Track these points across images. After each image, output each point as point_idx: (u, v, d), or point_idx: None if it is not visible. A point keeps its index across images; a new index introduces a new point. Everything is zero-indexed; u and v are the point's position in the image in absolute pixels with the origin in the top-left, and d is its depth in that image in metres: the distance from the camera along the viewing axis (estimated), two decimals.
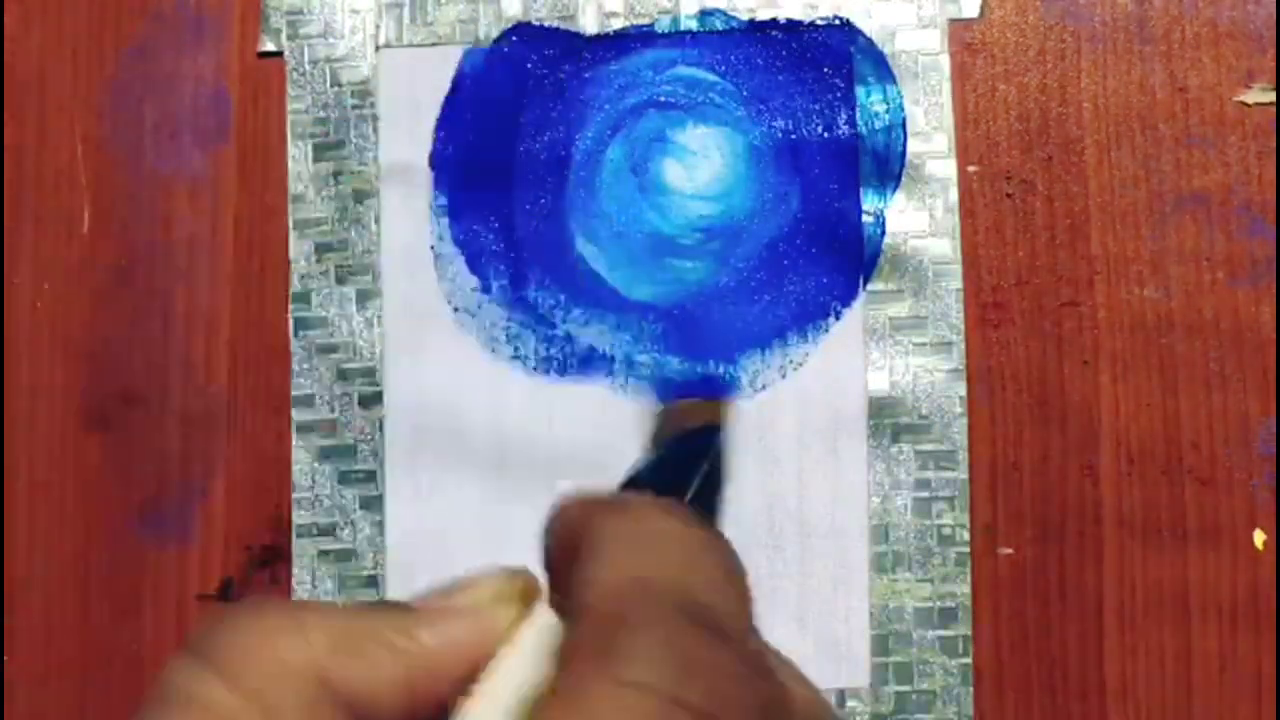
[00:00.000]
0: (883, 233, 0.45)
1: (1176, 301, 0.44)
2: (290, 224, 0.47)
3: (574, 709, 0.16)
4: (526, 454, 0.45)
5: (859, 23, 0.45)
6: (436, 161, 0.47)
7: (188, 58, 0.48)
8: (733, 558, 0.19)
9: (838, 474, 0.44)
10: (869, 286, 0.45)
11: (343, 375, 0.46)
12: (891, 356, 0.44)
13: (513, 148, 0.47)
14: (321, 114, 0.47)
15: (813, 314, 0.45)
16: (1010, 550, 0.44)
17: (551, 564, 0.20)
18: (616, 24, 0.46)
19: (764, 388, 0.45)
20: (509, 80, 0.47)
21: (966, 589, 0.44)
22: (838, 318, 0.45)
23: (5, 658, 0.47)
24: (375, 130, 0.47)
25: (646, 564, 0.18)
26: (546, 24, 0.47)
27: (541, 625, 0.19)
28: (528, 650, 0.19)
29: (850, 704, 0.44)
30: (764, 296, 0.45)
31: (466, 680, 0.18)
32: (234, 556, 0.46)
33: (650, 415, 0.24)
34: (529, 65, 0.47)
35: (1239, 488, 0.43)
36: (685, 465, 0.23)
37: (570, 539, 0.19)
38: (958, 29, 0.45)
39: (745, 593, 0.18)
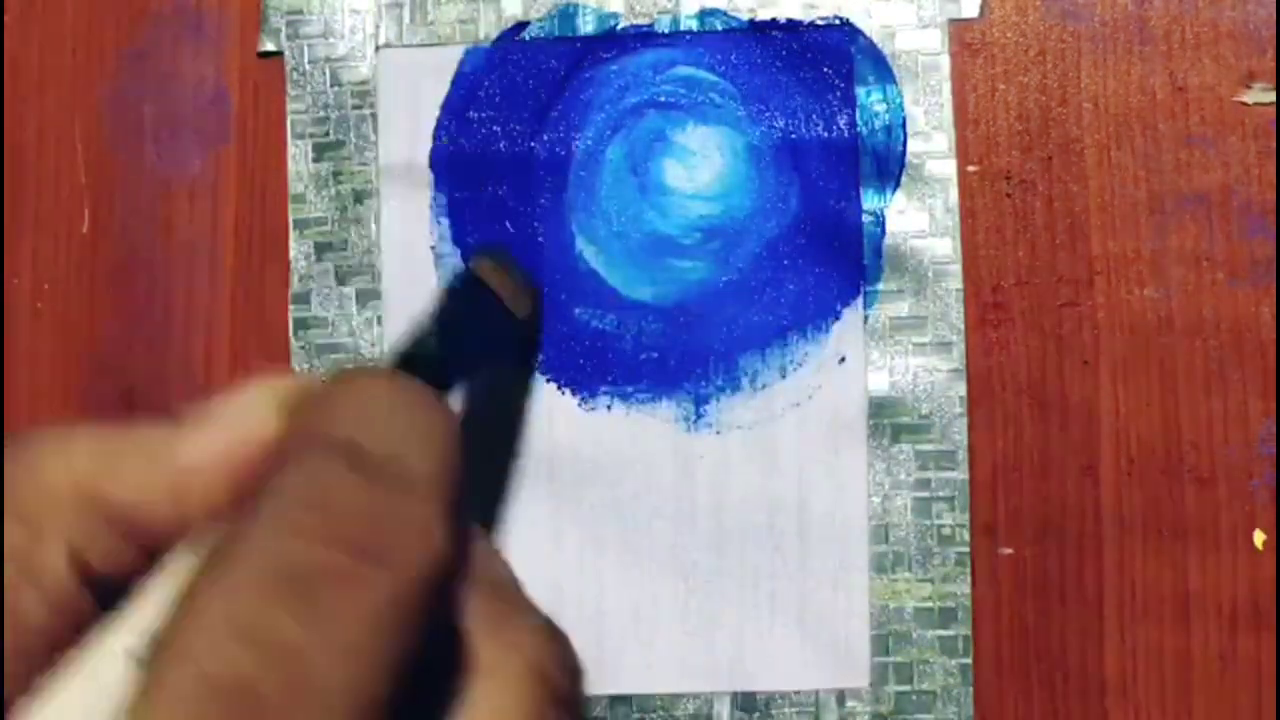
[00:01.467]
0: (883, 233, 0.45)
1: (1176, 301, 0.44)
2: (290, 224, 0.47)
3: (214, 556, 0.16)
4: (526, 453, 0.45)
5: (859, 23, 0.45)
6: (436, 161, 0.47)
7: (188, 58, 0.48)
8: (440, 416, 0.18)
9: (838, 474, 0.44)
10: (869, 286, 0.45)
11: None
12: (891, 356, 0.44)
13: (513, 148, 0.47)
14: (321, 114, 0.47)
15: (813, 314, 0.45)
16: (1010, 550, 0.44)
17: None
18: (616, 24, 0.46)
19: (764, 387, 0.45)
20: (509, 80, 0.47)
21: (966, 589, 0.44)
22: (838, 318, 0.45)
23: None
24: (375, 130, 0.47)
25: (339, 413, 0.18)
26: (546, 24, 0.47)
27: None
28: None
29: (850, 704, 0.44)
30: (764, 296, 0.45)
31: (233, 488, 0.18)
32: None
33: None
34: (529, 65, 0.47)
35: (1239, 488, 0.43)
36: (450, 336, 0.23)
37: (306, 398, 0.19)
38: (958, 29, 0.45)
39: (438, 448, 0.18)
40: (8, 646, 0.17)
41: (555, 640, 0.18)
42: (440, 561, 0.16)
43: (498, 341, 0.26)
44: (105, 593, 0.18)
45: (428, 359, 0.25)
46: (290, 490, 0.16)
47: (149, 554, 0.18)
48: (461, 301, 0.26)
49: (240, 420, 0.19)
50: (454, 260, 0.46)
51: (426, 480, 0.17)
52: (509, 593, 0.19)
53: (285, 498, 0.16)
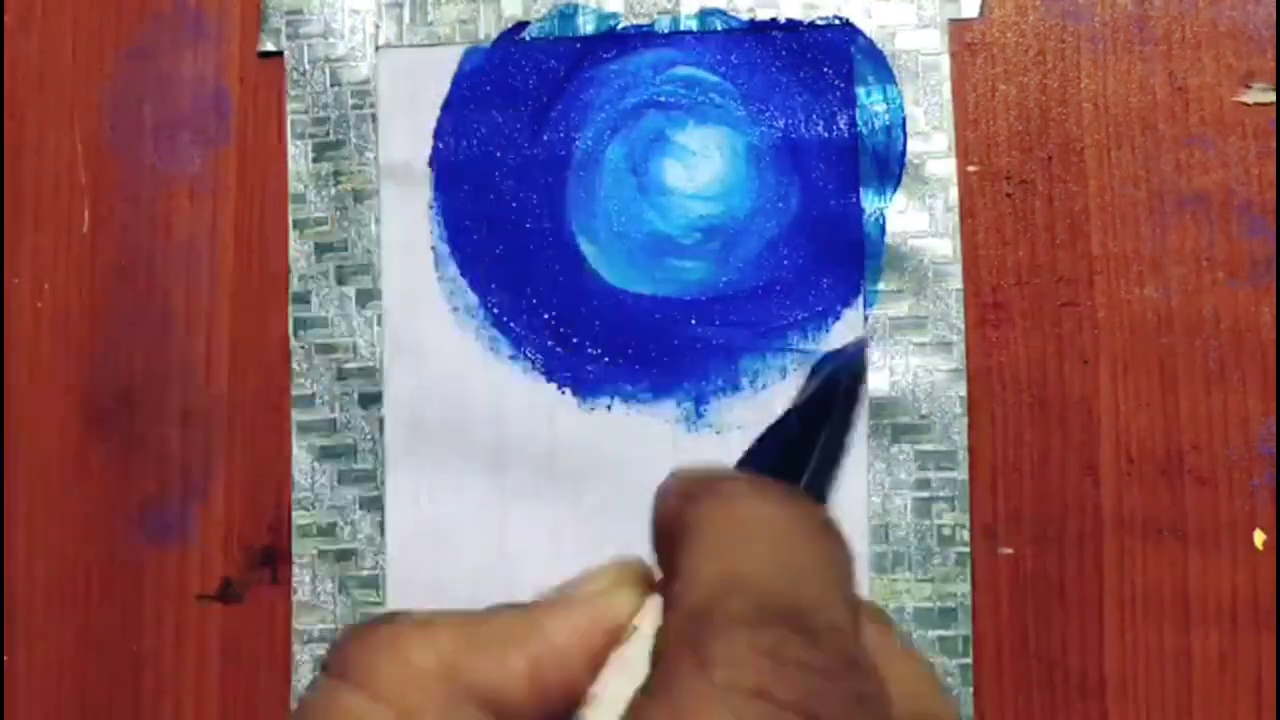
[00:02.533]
0: (883, 233, 0.45)
1: (1176, 301, 0.44)
2: (290, 224, 0.47)
3: (668, 710, 0.16)
4: (526, 453, 0.45)
5: (859, 23, 0.45)
6: (436, 161, 0.47)
7: (188, 58, 0.48)
8: (828, 541, 0.19)
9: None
10: (869, 286, 0.45)
11: (343, 375, 0.46)
12: (891, 356, 0.44)
13: (512, 148, 0.47)
14: (321, 114, 0.47)
15: (813, 314, 0.45)
16: (1010, 550, 0.44)
17: (657, 547, 0.21)
18: (616, 24, 0.46)
19: (764, 387, 0.45)
20: (509, 80, 0.47)
21: (966, 589, 0.44)
22: (838, 318, 0.45)
23: (5, 657, 0.47)
24: (375, 130, 0.47)
25: (734, 556, 0.18)
26: (546, 24, 0.47)
27: (657, 612, 0.20)
28: (645, 639, 0.19)
29: None
30: (764, 296, 0.45)
31: (593, 668, 0.19)
32: (234, 556, 0.46)
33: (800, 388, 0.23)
34: (529, 65, 0.47)
35: (1239, 488, 0.43)
36: (803, 435, 0.22)
37: (669, 525, 0.19)
38: (958, 29, 0.45)
39: (837, 578, 0.18)
40: None
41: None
42: (872, 695, 0.17)
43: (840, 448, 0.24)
44: None
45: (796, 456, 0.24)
46: (742, 652, 0.16)
47: None
48: (827, 399, 0.25)
49: (598, 600, 0.20)
50: (454, 260, 0.46)
51: (834, 616, 0.18)
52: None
53: (740, 661, 0.16)
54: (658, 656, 0.17)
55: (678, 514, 0.19)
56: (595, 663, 0.19)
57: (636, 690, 0.17)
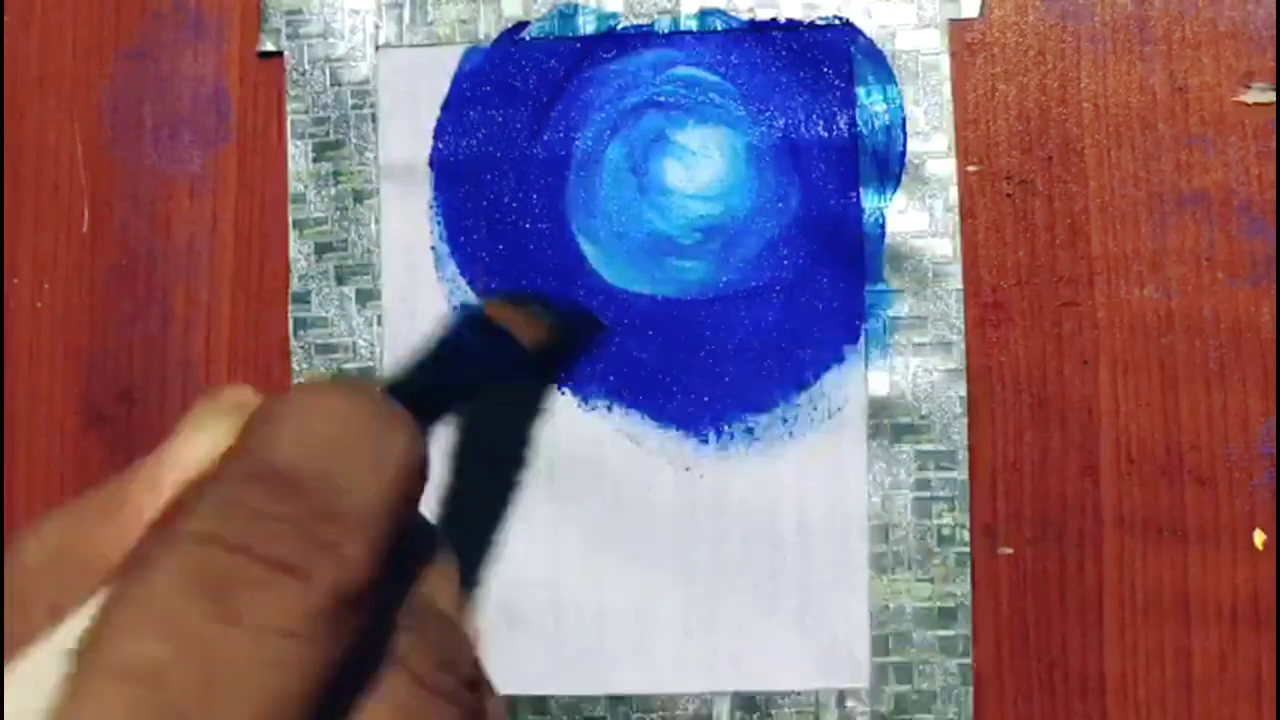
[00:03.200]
0: (883, 233, 0.45)
1: (1176, 301, 0.44)
2: (290, 224, 0.47)
3: (123, 565, 0.17)
4: (525, 453, 0.45)
5: (859, 23, 0.45)
6: (436, 161, 0.47)
7: (188, 58, 0.48)
8: (373, 430, 0.19)
9: (838, 474, 0.44)
10: (869, 286, 0.45)
11: (343, 375, 0.46)
12: (891, 356, 0.44)
13: (512, 148, 0.47)
14: (321, 114, 0.47)
15: (812, 314, 0.45)
16: (1010, 550, 0.44)
17: None
18: (616, 24, 0.46)
19: (764, 387, 0.45)
20: (509, 80, 0.47)
21: (966, 589, 0.44)
22: (837, 318, 0.45)
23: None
24: (375, 130, 0.47)
25: (282, 434, 0.18)
26: (546, 24, 0.47)
27: None
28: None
29: (850, 704, 0.44)
30: (764, 296, 0.45)
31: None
32: None
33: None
34: (529, 65, 0.47)
35: (1239, 488, 0.43)
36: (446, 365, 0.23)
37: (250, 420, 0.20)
38: (958, 29, 0.45)
39: (386, 475, 0.18)
40: None
41: (455, 645, 0.19)
42: (356, 583, 0.17)
43: (502, 373, 0.26)
44: None
45: (419, 384, 0.25)
46: (209, 503, 0.17)
47: None
48: (465, 331, 0.26)
49: (172, 445, 0.19)
50: (454, 260, 0.46)
51: (358, 505, 0.18)
52: (441, 628, 0.19)
53: (203, 510, 0.17)
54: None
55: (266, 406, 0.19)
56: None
57: None
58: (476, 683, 0.19)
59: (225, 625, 0.15)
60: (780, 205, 0.45)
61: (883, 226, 0.45)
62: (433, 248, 0.46)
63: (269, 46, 0.47)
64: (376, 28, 0.47)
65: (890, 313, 0.45)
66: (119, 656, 0.15)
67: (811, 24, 0.46)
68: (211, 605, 0.15)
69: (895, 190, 0.45)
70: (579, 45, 0.46)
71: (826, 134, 0.45)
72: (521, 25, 0.47)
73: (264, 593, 0.16)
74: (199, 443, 0.19)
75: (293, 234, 0.47)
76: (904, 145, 0.45)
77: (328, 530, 0.17)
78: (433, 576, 0.20)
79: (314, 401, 0.19)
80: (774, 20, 0.46)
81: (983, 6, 0.45)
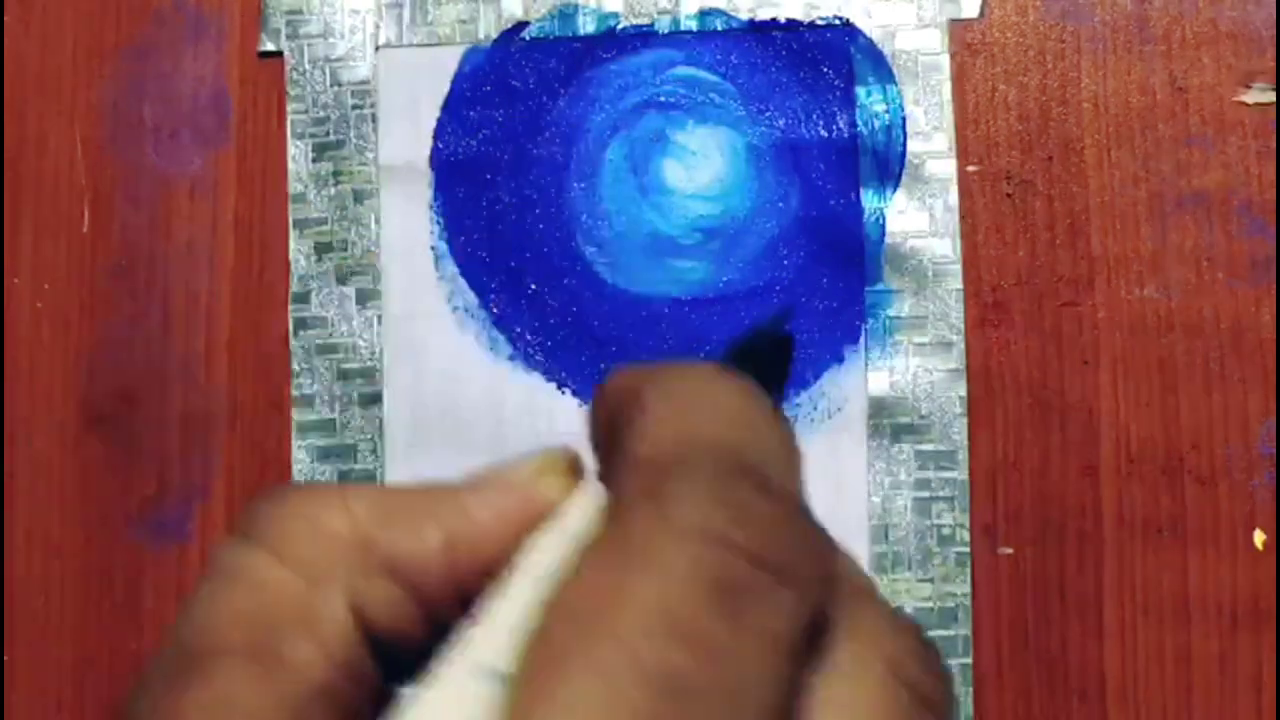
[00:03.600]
0: (883, 233, 0.45)
1: (1176, 301, 0.44)
2: (290, 224, 0.47)
3: (623, 551, 0.15)
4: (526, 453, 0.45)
5: (859, 23, 0.45)
6: (436, 161, 0.47)
7: (188, 58, 0.48)
8: (789, 427, 0.18)
9: (838, 474, 0.44)
10: (869, 286, 0.45)
11: (343, 375, 0.46)
12: (891, 356, 0.44)
13: (512, 148, 0.47)
14: (321, 114, 0.47)
15: (812, 314, 0.45)
16: (1010, 550, 0.44)
17: (599, 438, 0.19)
18: (616, 24, 0.46)
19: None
20: (509, 80, 0.47)
21: (966, 589, 0.44)
22: (837, 318, 0.45)
23: (5, 657, 0.47)
24: (375, 130, 0.47)
25: (698, 420, 0.17)
26: (546, 24, 0.47)
27: (587, 499, 0.19)
28: (572, 522, 0.18)
29: None
30: (764, 296, 0.45)
31: (511, 550, 0.18)
32: None
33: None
34: (528, 65, 0.47)
35: (1239, 488, 0.43)
36: (751, 358, 0.22)
37: (620, 407, 0.18)
38: (958, 29, 0.45)
39: (797, 460, 0.18)
40: (278, 697, 0.16)
41: (917, 640, 0.18)
42: (831, 574, 0.16)
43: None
44: (383, 654, 0.17)
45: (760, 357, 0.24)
46: (703, 498, 0.16)
47: (426, 614, 0.18)
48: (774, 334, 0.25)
49: (526, 483, 0.19)
50: (454, 260, 0.46)
51: (794, 487, 0.17)
52: (866, 591, 0.18)
53: (700, 505, 0.15)
54: (611, 512, 0.16)
55: (632, 394, 0.18)
56: (514, 545, 0.18)
57: (557, 564, 0.17)
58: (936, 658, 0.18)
59: (739, 635, 0.14)
60: (780, 205, 0.45)
61: (883, 226, 0.45)
62: (432, 248, 0.46)
63: (269, 46, 0.47)
64: (376, 28, 0.47)
65: (890, 313, 0.45)
66: (633, 654, 0.14)
67: (811, 24, 0.46)
68: (729, 613, 0.14)
69: (895, 190, 0.45)
70: (579, 45, 0.46)
71: (826, 134, 0.45)
72: (521, 25, 0.47)
73: (769, 604, 0.15)
74: (537, 484, 0.18)
75: (293, 234, 0.47)
76: (904, 145, 0.45)
77: (808, 528, 0.16)
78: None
79: (707, 382, 0.17)
80: (774, 20, 0.46)
81: (983, 6, 0.45)
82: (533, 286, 0.46)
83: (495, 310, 0.46)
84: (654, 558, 0.15)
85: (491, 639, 0.16)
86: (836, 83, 0.45)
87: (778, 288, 0.45)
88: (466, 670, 0.16)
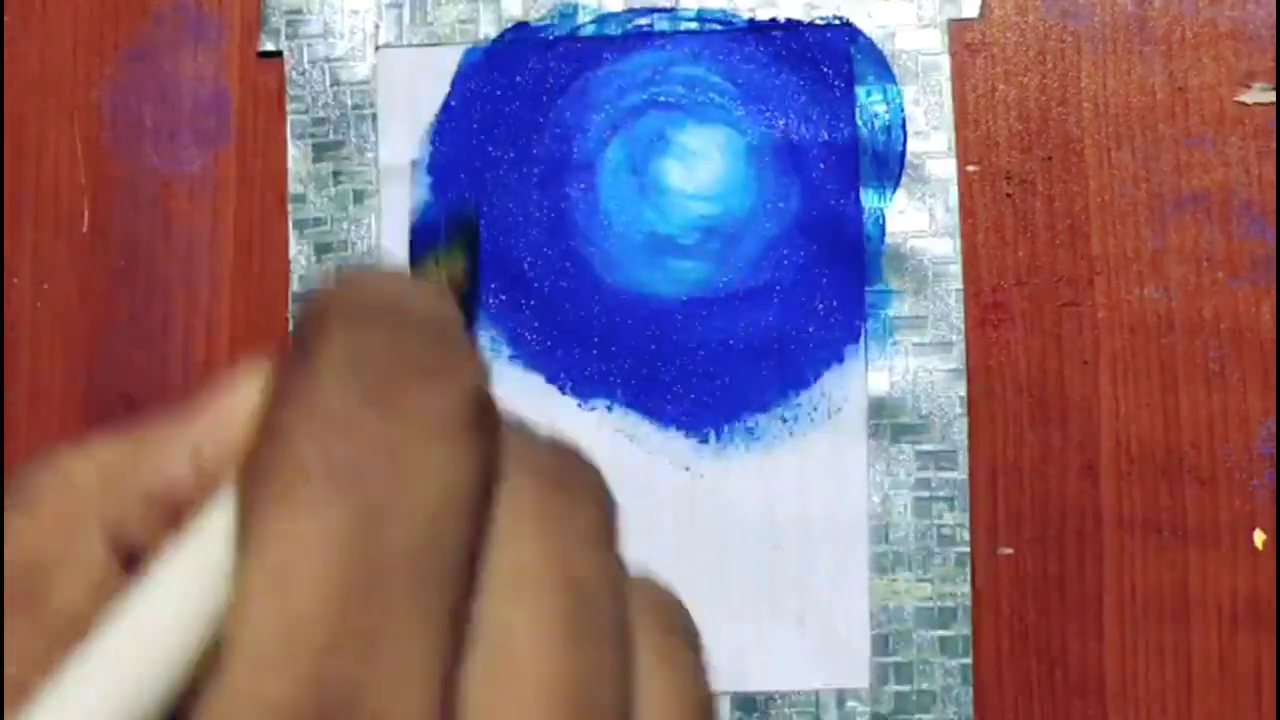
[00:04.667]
0: (883, 233, 0.45)
1: (1176, 301, 0.44)
2: (290, 224, 0.47)
3: (282, 390, 0.16)
4: None
5: (859, 23, 0.45)
6: (436, 161, 0.47)
7: (188, 58, 0.48)
8: (453, 304, 0.19)
9: (838, 474, 0.44)
10: (869, 286, 0.45)
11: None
12: (891, 356, 0.44)
13: (512, 148, 0.47)
14: (321, 114, 0.47)
15: (812, 314, 0.45)
16: (1010, 550, 0.44)
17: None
18: (616, 24, 0.46)
19: (763, 387, 0.45)
20: (509, 80, 0.47)
21: (966, 589, 0.44)
22: (837, 318, 0.45)
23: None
24: (375, 130, 0.47)
25: (357, 291, 0.17)
26: (546, 24, 0.47)
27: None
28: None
29: (850, 704, 0.44)
30: (763, 296, 0.45)
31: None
32: None
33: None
34: (529, 65, 0.47)
35: (1239, 488, 0.43)
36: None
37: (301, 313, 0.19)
38: (958, 29, 0.45)
39: (453, 318, 0.18)
40: (48, 637, 0.17)
41: (566, 448, 0.19)
42: (489, 389, 0.17)
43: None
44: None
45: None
46: (342, 326, 0.16)
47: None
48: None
49: (243, 392, 0.19)
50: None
51: (459, 328, 0.18)
52: (519, 422, 0.19)
53: (341, 335, 0.16)
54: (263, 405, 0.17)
55: (314, 303, 0.18)
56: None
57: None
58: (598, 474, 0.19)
59: (400, 423, 0.15)
60: (780, 205, 0.45)
61: (883, 226, 0.45)
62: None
63: (269, 46, 0.47)
64: (376, 28, 0.47)
65: (890, 313, 0.45)
66: (315, 460, 0.15)
67: (811, 24, 0.46)
68: (381, 408, 0.15)
69: (895, 190, 0.45)
70: (579, 45, 0.46)
71: (826, 134, 0.45)
72: (521, 25, 0.47)
73: (423, 394, 0.16)
74: (250, 398, 0.18)
75: (293, 234, 0.47)
76: (904, 145, 0.45)
77: (450, 342, 0.17)
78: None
79: (374, 275, 0.18)
80: (774, 20, 0.46)
81: (983, 6, 0.45)
82: (533, 286, 0.46)
83: (495, 310, 0.46)
84: (301, 386, 0.16)
85: (206, 520, 0.17)
86: (836, 83, 0.45)
87: (778, 288, 0.45)
88: (196, 541, 0.16)
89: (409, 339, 0.16)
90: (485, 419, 0.17)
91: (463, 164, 0.47)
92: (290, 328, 0.21)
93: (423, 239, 0.25)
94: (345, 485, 0.15)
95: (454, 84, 0.47)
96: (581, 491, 0.18)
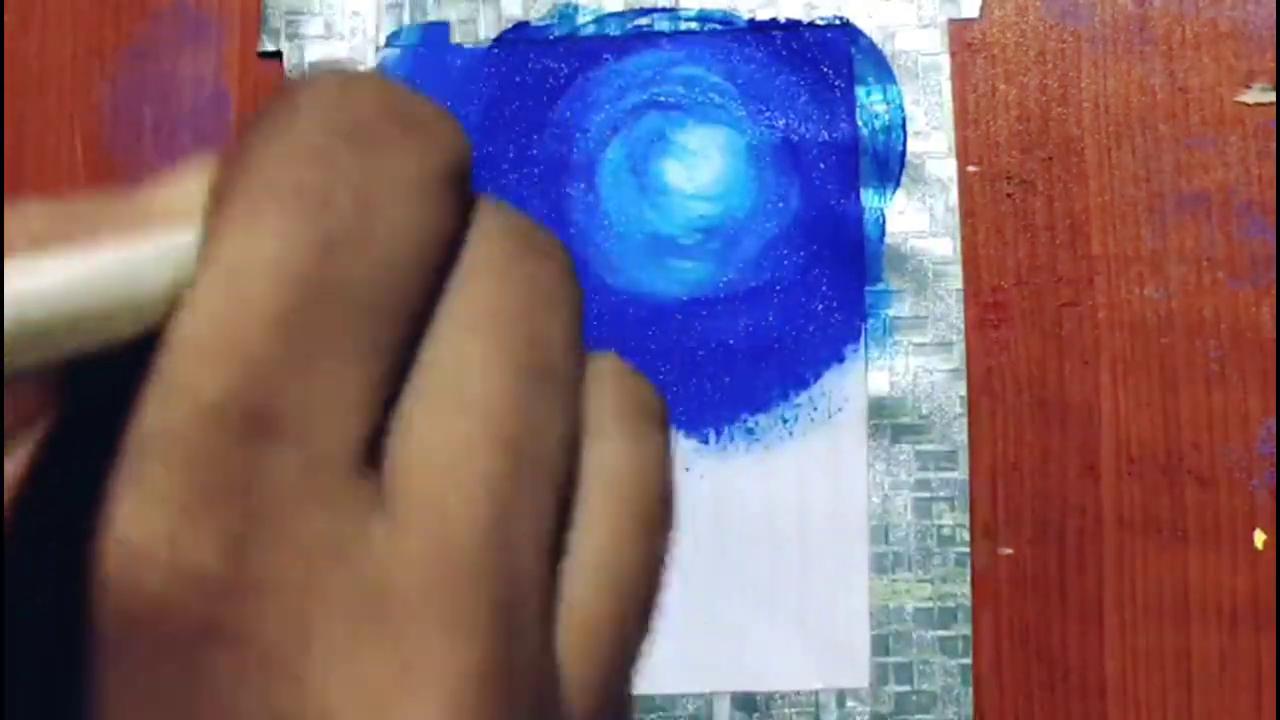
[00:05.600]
0: (883, 233, 0.45)
1: (1176, 301, 0.44)
2: None
3: (250, 122, 0.16)
4: None
5: (859, 23, 0.45)
6: None
7: (188, 58, 0.48)
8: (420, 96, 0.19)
9: (838, 474, 0.44)
10: (869, 286, 0.45)
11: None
12: (891, 356, 0.44)
13: (512, 148, 0.47)
14: None
15: (812, 314, 0.45)
16: (1010, 550, 0.44)
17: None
18: (616, 24, 0.46)
19: (763, 387, 0.45)
20: (509, 80, 0.47)
21: (966, 589, 0.44)
22: (837, 318, 0.45)
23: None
24: None
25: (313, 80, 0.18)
26: (546, 24, 0.47)
27: None
28: None
29: (850, 704, 0.44)
30: (763, 296, 0.45)
31: None
32: None
33: None
34: (529, 65, 0.47)
35: (1239, 488, 0.43)
36: None
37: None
38: (958, 29, 0.45)
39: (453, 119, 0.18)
40: None
41: (526, 219, 0.19)
42: (466, 156, 0.17)
43: None
44: None
45: None
46: (326, 79, 0.17)
47: None
48: None
49: (189, 177, 0.19)
50: None
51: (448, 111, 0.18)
52: (495, 200, 0.19)
53: (323, 84, 0.16)
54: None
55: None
56: None
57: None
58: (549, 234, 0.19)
59: (375, 166, 0.15)
60: (780, 205, 0.45)
61: (883, 226, 0.45)
62: None
63: (269, 46, 0.47)
64: (376, 28, 0.47)
65: (890, 313, 0.45)
66: (284, 180, 0.15)
67: (811, 24, 0.46)
68: (358, 148, 0.16)
69: (895, 190, 0.45)
70: (579, 45, 0.47)
71: (826, 134, 0.45)
72: (521, 25, 0.47)
73: (403, 144, 0.16)
74: (196, 184, 0.18)
75: None
76: (904, 145, 0.45)
77: (439, 113, 0.17)
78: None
79: (350, 75, 0.18)
80: (774, 20, 0.46)
81: (983, 6, 0.45)
82: None
83: None
84: (278, 117, 0.16)
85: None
86: (836, 83, 0.45)
87: (778, 288, 0.45)
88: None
89: (395, 96, 0.17)
90: (460, 182, 0.17)
91: None
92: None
93: None
94: (311, 210, 0.15)
95: (454, 84, 0.47)
96: (549, 256, 0.18)
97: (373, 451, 0.15)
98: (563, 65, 0.47)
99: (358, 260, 0.15)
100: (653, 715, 0.44)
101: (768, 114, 0.46)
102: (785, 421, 0.45)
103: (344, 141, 0.16)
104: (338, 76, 0.17)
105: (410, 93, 0.17)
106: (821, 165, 0.45)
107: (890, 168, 0.45)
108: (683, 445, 0.45)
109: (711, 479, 0.45)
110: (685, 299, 0.45)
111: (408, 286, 0.15)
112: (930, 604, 0.44)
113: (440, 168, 0.16)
